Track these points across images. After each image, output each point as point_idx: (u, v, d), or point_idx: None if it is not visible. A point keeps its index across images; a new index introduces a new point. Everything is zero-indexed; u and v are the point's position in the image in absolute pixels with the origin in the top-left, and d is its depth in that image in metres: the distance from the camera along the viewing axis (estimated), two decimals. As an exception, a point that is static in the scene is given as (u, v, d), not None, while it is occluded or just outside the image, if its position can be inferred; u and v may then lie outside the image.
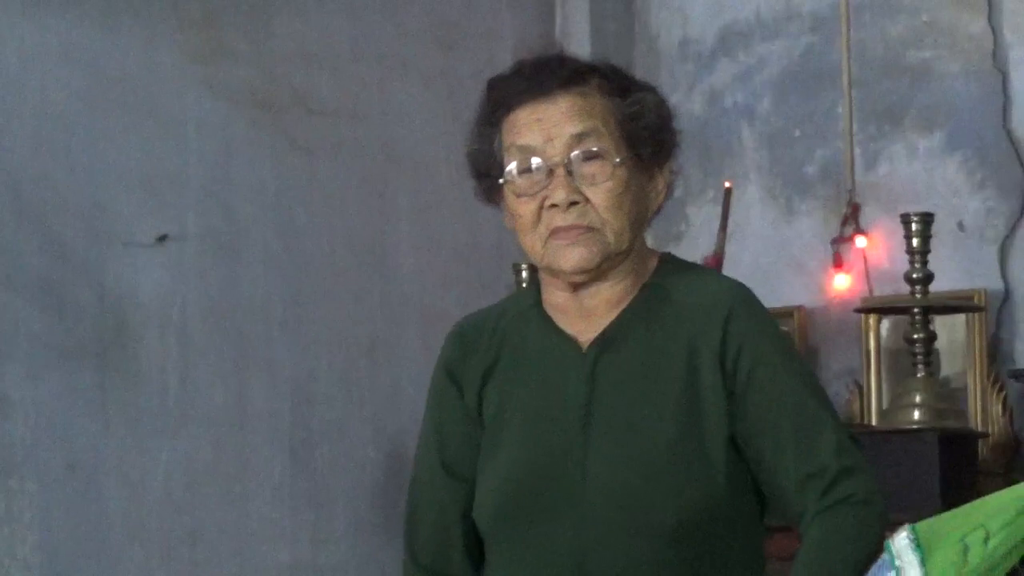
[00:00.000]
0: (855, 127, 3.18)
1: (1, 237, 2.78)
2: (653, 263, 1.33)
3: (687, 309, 1.31)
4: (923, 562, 1.10)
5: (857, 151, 3.18)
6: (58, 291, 2.80)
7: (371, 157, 3.23)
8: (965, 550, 1.10)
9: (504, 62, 1.68)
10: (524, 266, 2.76)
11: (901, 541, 1.11)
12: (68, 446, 2.76)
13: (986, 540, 1.10)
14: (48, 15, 2.83)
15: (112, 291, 2.86)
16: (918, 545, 1.11)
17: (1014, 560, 1.10)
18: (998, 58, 3.00)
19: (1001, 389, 2.85)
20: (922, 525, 1.14)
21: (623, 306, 1.30)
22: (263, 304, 3.04)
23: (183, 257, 2.93)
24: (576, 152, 1.25)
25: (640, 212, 1.30)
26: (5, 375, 2.71)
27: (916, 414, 2.75)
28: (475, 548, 1.36)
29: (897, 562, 1.11)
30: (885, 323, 3.04)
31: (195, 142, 3.00)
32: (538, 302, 1.35)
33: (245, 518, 2.97)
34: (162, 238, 2.88)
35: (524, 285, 2.77)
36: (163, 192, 2.93)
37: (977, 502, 1.17)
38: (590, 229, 1.25)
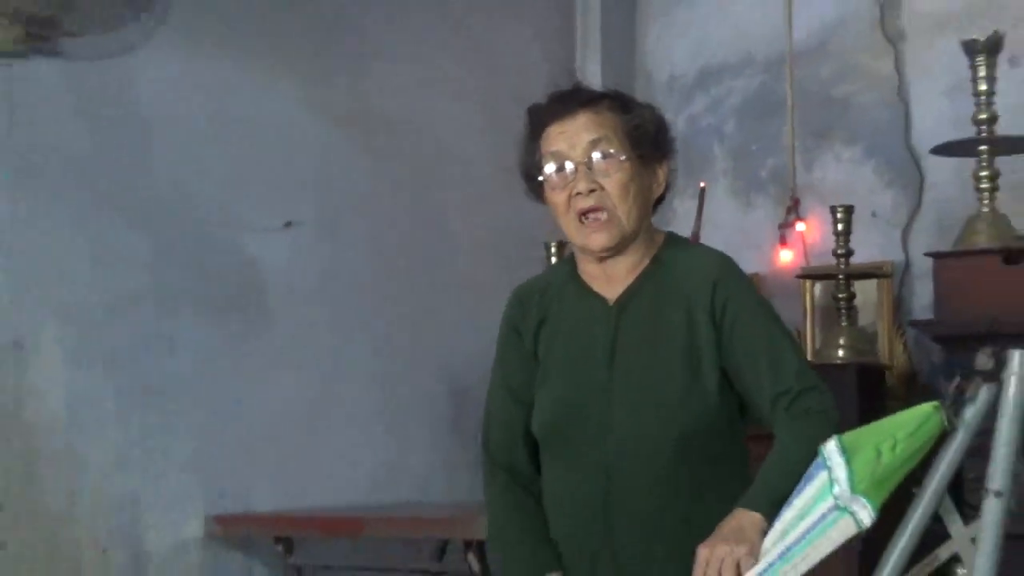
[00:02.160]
0: (796, 143, 3.57)
1: (171, 228, 3.13)
2: (660, 240, 1.49)
3: (685, 274, 1.46)
4: (848, 462, 1.25)
5: (798, 160, 3.58)
6: (212, 265, 3.16)
7: (434, 162, 3.58)
8: (879, 454, 1.27)
9: (534, 91, 1.98)
10: (553, 244, 3.07)
11: (830, 447, 1.26)
12: (218, 379, 3.11)
13: (894, 447, 1.28)
14: (193, 54, 3.20)
15: (250, 264, 3.23)
16: (844, 450, 1.26)
17: (914, 462, 1.29)
18: (902, 92, 3.41)
19: (903, 334, 3.25)
20: (846, 436, 1.29)
21: (638, 272, 1.45)
22: (358, 274, 3.42)
23: (302, 239, 3.29)
24: (592, 153, 1.39)
25: (645, 199, 1.44)
26: (176, 325, 3.05)
27: (840, 352, 3.11)
28: (536, 455, 1.52)
29: (828, 463, 1.26)
30: (818, 286, 3.40)
31: (306, 152, 3.35)
32: (574, 273, 1.50)
33: (344, 438, 3.35)
34: (288, 224, 3.23)
35: (552, 259, 3.08)
36: (286, 190, 3.29)
37: (886, 419, 1.34)
38: (610, 217, 1.40)
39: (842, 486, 1.29)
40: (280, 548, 3.10)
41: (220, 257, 3.16)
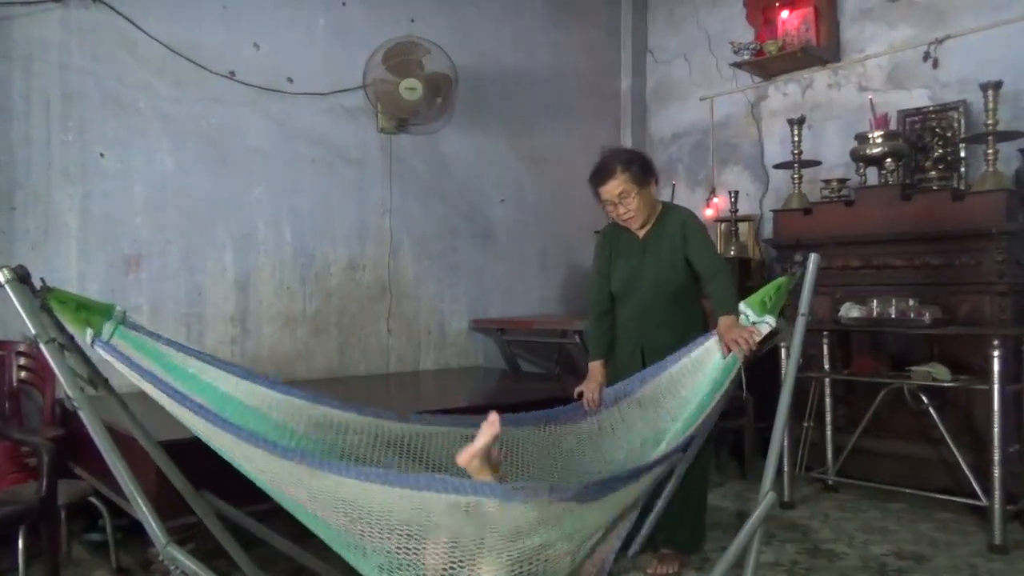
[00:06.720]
0: (714, 164, 5.20)
1: (457, 200, 4.80)
2: (660, 207, 2.60)
3: (671, 220, 2.52)
4: (749, 305, 2.18)
5: (715, 172, 5.22)
6: (472, 217, 4.94)
7: (564, 176, 5.28)
8: (763, 302, 2.15)
9: (600, 146, 2.67)
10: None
11: (742, 304, 2.19)
12: (475, 263, 4.89)
13: (771, 295, 2.14)
14: (464, 131, 4.76)
15: (487, 217, 5.09)
16: (747, 303, 2.20)
17: (782, 301, 2.08)
18: (759, 141, 5.04)
19: (759, 246, 4.85)
20: (748, 298, 2.18)
21: (651, 223, 2.57)
22: (530, 222, 5.29)
23: (507, 207, 5.18)
24: (619, 196, 2.50)
25: (648, 200, 2.53)
26: (458, 243, 4.84)
27: (731, 252, 4.71)
28: (612, 301, 2.59)
29: (741, 310, 2.19)
30: (723, 225, 4.97)
31: (509, 170, 5.17)
32: (622, 226, 2.50)
33: (526, 288, 5.17)
34: (502, 200, 5.13)
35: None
36: (502, 187, 5.15)
37: (767, 285, 2.13)
38: (634, 216, 2.47)
39: (751, 316, 2.07)
40: (499, 332, 4.86)
41: (476, 214, 5.02)
